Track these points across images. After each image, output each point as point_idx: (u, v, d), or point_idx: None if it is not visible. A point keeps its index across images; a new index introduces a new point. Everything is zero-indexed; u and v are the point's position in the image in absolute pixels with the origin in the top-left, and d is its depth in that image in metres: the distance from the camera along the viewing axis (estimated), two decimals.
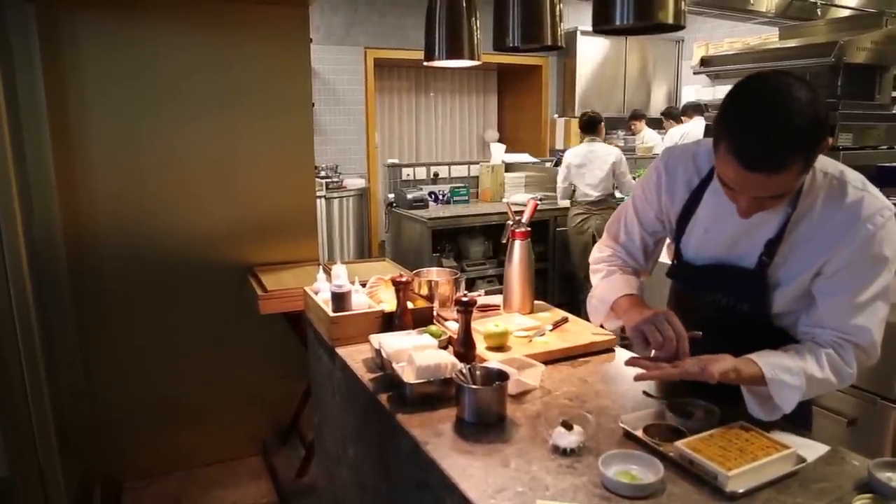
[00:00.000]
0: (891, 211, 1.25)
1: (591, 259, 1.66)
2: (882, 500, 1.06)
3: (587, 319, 1.76)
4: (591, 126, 5.08)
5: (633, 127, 6.93)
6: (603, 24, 1.52)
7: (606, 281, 1.56)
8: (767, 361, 1.24)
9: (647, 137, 6.87)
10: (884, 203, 1.26)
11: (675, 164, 1.46)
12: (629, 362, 1.36)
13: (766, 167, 1.13)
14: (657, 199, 1.50)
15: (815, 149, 1.15)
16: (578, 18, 6.72)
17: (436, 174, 5.58)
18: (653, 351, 1.32)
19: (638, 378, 1.31)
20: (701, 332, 1.32)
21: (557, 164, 5.99)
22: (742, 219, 1.26)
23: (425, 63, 2.26)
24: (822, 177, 1.28)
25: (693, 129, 5.94)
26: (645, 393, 1.47)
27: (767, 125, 1.12)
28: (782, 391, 1.23)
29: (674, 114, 6.58)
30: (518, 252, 1.98)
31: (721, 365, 1.21)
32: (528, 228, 2.01)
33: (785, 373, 1.23)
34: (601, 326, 1.66)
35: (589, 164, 4.99)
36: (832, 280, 1.28)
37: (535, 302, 2.03)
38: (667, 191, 1.47)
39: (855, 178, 1.29)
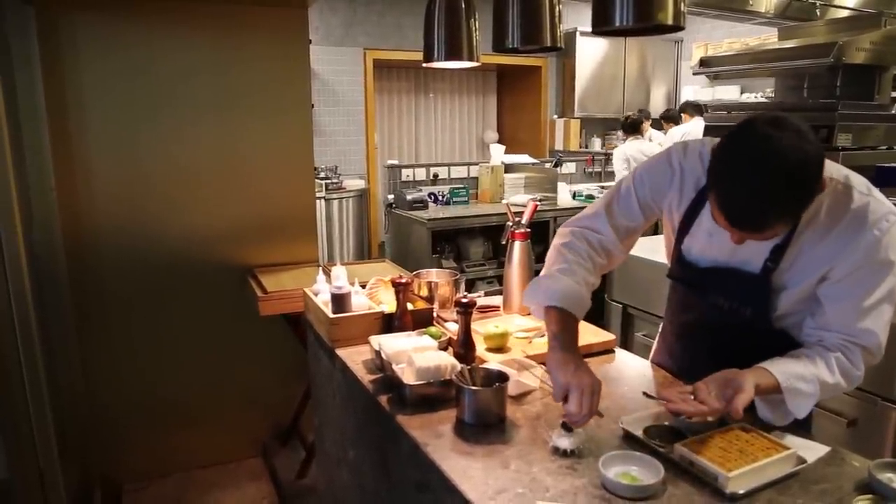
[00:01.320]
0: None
1: (563, 234, 1.53)
2: (882, 501, 1.06)
3: (587, 320, 1.76)
4: (634, 127, 5.80)
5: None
6: (602, 26, 1.51)
7: (563, 280, 1.44)
8: (781, 370, 1.24)
9: (655, 136, 6.85)
10: (889, 208, 1.26)
11: (687, 162, 1.43)
12: (659, 399, 1.33)
13: (751, 228, 1.16)
14: (664, 192, 1.47)
15: (803, 207, 1.16)
16: (577, 19, 6.73)
17: (435, 175, 5.58)
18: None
19: (669, 410, 1.26)
20: (603, 415, 1.31)
21: (557, 164, 6.00)
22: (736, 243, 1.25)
23: (424, 64, 2.26)
24: (828, 182, 1.26)
25: (693, 128, 5.93)
26: (645, 394, 1.46)
27: (753, 189, 1.13)
28: (797, 399, 1.24)
29: (672, 116, 6.58)
30: (518, 253, 1.98)
31: (745, 397, 1.19)
32: (528, 229, 2.00)
33: (800, 381, 1.23)
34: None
35: (646, 157, 5.47)
36: (839, 285, 1.28)
37: None
38: (678, 188, 1.44)
39: (860, 182, 1.29)
